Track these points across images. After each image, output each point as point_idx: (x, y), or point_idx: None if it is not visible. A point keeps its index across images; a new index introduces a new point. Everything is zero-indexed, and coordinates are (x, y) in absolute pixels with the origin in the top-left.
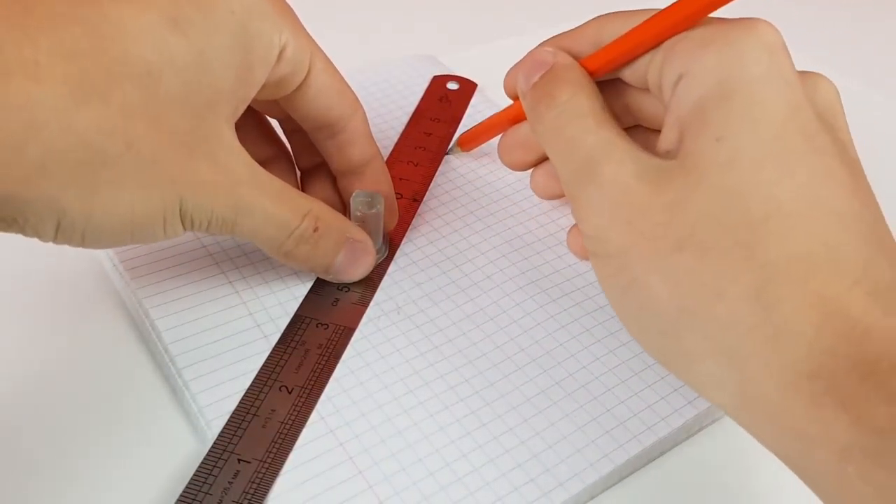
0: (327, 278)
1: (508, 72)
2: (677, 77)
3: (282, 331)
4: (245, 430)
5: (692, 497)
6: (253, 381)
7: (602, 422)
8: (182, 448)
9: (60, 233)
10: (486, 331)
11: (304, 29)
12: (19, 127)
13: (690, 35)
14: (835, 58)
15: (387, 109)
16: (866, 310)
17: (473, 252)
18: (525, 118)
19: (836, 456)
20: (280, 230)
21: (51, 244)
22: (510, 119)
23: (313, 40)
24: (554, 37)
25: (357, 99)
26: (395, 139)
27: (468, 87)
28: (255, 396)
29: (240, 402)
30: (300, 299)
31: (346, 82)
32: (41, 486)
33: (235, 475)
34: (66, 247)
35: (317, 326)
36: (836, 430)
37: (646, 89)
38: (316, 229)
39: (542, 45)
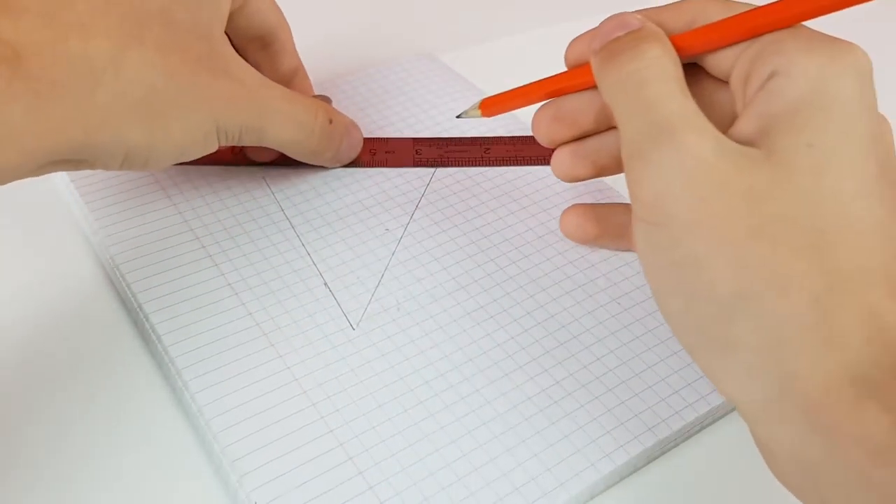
0: (328, 164)
1: (576, 38)
2: (770, 73)
3: (280, 327)
4: None
5: (693, 496)
6: None
7: (603, 422)
8: (182, 447)
9: (125, 164)
10: (486, 328)
11: None
12: (85, 78)
13: (794, 36)
14: None
15: (387, 107)
16: None
17: (473, 248)
18: (569, 90)
19: (869, 456)
20: (302, 129)
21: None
22: (551, 90)
23: None
24: (644, 9)
25: (283, 12)
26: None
27: None
28: None
29: None
30: (299, 297)
31: None
32: (40, 486)
33: None
34: (66, 247)
35: None
36: (875, 430)
37: (722, 82)
38: (331, 121)
39: (628, 13)
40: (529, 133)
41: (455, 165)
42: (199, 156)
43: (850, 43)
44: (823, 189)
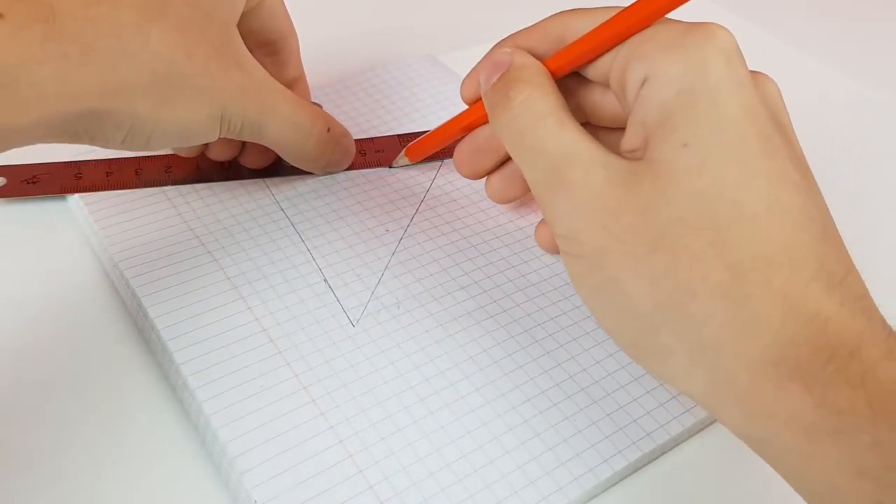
0: (319, 172)
1: (466, 76)
2: (642, 79)
3: (281, 323)
4: None
5: (691, 497)
6: None
7: (602, 426)
8: (182, 445)
9: (127, 140)
10: (486, 328)
11: None
12: (113, 45)
13: (653, 37)
14: (826, 54)
15: (386, 111)
16: (823, 303)
17: (473, 252)
18: (479, 124)
19: (802, 435)
20: (301, 132)
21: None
22: (463, 126)
23: None
24: (513, 35)
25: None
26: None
27: None
28: None
29: None
30: (299, 292)
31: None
32: (40, 485)
33: None
34: (66, 248)
35: None
36: (802, 411)
37: (606, 86)
38: (328, 130)
39: (500, 44)
40: None
41: (447, 157)
42: (199, 143)
43: (708, 25)
44: (707, 185)
